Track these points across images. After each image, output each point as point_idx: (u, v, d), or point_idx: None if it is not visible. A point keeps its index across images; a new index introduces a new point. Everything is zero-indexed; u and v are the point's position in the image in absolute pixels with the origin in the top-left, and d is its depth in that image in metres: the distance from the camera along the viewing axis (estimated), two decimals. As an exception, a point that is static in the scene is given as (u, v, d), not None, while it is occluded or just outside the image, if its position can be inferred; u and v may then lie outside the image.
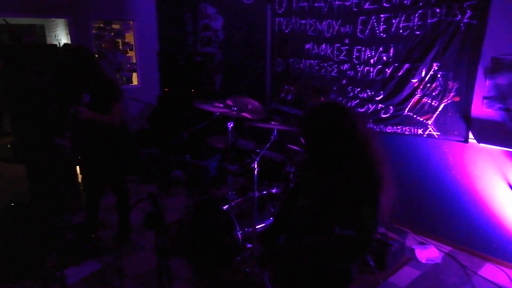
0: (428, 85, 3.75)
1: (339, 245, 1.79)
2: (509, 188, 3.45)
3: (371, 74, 4.16)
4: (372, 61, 4.13)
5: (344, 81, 4.42)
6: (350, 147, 1.83)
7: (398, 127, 4.05)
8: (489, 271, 3.54)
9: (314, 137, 1.88)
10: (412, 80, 3.85)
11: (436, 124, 3.76)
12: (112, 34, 6.76)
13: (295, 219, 2.04)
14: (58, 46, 5.63)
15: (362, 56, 4.21)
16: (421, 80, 3.78)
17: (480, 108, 3.48)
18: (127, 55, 6.97)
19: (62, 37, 6.88)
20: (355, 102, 4.35)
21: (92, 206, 3.89)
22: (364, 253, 1.87)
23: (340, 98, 4.42)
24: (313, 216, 1.91)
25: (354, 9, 4.16)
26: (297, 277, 1.94)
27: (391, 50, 3.95)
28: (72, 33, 6.29)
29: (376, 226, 1.82)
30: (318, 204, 1.88)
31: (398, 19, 3.84)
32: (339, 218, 1.79)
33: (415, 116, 3.90)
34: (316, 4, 4.52)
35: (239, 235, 3.23)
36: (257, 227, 3.29)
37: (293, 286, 2.02)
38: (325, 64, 4.58)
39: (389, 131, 4.12)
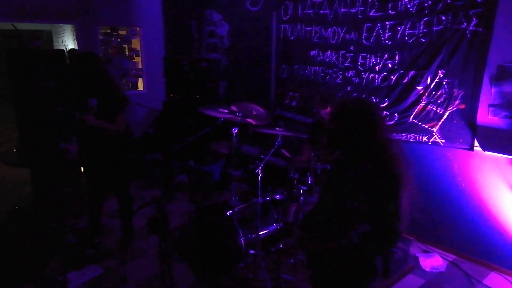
0: (433, 92, 3.74)
1: (363, 241, 1.86)
2: (515, 197, 3.43)
3: (376, 81, 4.16)
4: (377, 68, 4.13)
5: (349, 88, 4.42)
6: (373, 142, 1.92)
7: (403, 135, 4.03)
8: (494, 280, 3.50)
9: (343, 127, 1.97)
10: (417, 87, 3.84)
11: (441, 131, 3.74)
12: (118, 40, 6.81)
13: (318, 216, 2.13)
14: (65, 51, 5.67)
15: (367, 63, 4.21)
16: (426, 87, 3.78)
17: (485, 116, 3.46)
18: (133, 60, 7.02)
19: (69, 43, 6.95)
20: (360, 109, 4.34)
21: (95, 210, 3.90)
22: (389, 246, 1.98)
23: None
24: (335, 213, 1.98)
25: (360, 16, 4.17)
26: (326, 272, 2.05)
27: (396, 57, 3.95)
28: (79, 39, 6.34)
29: (399, 220, 1.88)
30: (341, 199, 1.96)
31: (403, 26, 3.84)
32: (362, 213, 1.87)
33: (420, 123, 3.89)
34: (321, 11, 4.54)
35: (242, 241, 3.22)
36: (260, 233, 3.28)
37: (323, 281, 2.11)
38: (330, 71, 4.58)
39: (393, 138, 4.10)
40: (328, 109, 3.76)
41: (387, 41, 4.00)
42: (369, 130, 1.92)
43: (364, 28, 4.16)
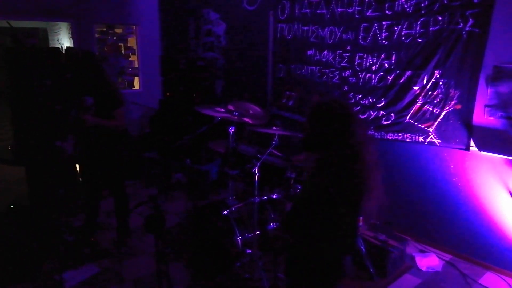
0: (429, 92, 3.75)
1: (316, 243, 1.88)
2: (510, 197, 3.44)
3: (373, 81, 4.17)
4: (373, 68, 4.14)
5: (345, 88, 4.42)
6: (344, 147, 1.87)
7: (399, 134, 4.05)
8: (490, 279, 3.52)
9: (316, 129, 1.94)
10: (414, 88, 3.86)
11: (438, 131, 3.76)
12: (114, 38, 6.78)
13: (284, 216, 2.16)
14: (61, 49, 5.64)
15: (364, 63, 4.21)
16: (423, 87, 3.79)
17: (481, 116, 3.48)
18: (130, 59, 7.00)
19: (65, 41, 6.91)
20: (356, 108, 4.35)
21: (92, 209, 3.89)
22: (343, 253, 2.00)
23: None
24: (295, 213, 1.99)
25: (357, 16, 4.18)
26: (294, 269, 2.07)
27: (393, 57, 3.96)
28: (75, 37, 6.31)
29: (353, 229, 1.91)
30: (300, 202, 1.98)
31: (400, 26, 3.85)
32: (317, 216, 1.87)
33: (416, 123, 3.90)
34: (318, 11, 4.54)
35: (239, 241, 3.22)
36: (257, 232, 3.28)
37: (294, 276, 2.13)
38: (327, 71, 4.59)
39: (390, 138, 4.12)
40: None
41: (384, 41, 4.01)
42: (341, 134, 1.88)
43: (361, 28, 4.17)
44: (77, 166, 4.61)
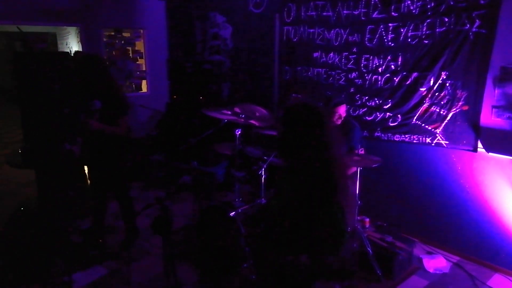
0: (436, 93, 3.74)
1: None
2: (518, 198, 3.42)
3: (379, 82, 4.17)
4: (380, 69, 4.14)
5: (352, 90, 4.43)
6: (314, 149, 1.89)
7: (406, 136, 4.04)
8: (498, 281, 3.49)
9: (285, 131, 1.96)
10: (421, 89, 3.85)
11: (445, 133, 3.75)
12: (122, 42, 6.85)
13: (266, 220, 2.21)
14: (69, 53, 5.72)
15: (370, 65, 4.22)
16: (430, 88, 3.78)
17: (489, 117, 3.47)
18: (137, 62, 7.06)
19: (73, 45, 6.99)
20: (363, 110, 4.35)
21: (99, 211, 3.92)
22: (339, 247, 1.98)
23: (348, 106, 4.42)
24: (281, 217, 2.00)
25: (363, 18, 4.19)
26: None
27: (399, 59, 3.96)
28: (83, 41, 6.39)
29: (342, 222, 1.91)
30: (286, 206, 1.98)
31: (406, 28, 3.85)
32: (305, 217, 1.87)
33: (423, 124, 3.89)
34: (324, 13, 4.56)
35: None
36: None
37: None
38: (333, 73, 4.59)
39: (397, 139, 4.11)
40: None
41: (390, 43, 4.01)
42: (311, 136, 1.87)
43: (367, 30, 4.17)
44: (86, 168, 4.66)
